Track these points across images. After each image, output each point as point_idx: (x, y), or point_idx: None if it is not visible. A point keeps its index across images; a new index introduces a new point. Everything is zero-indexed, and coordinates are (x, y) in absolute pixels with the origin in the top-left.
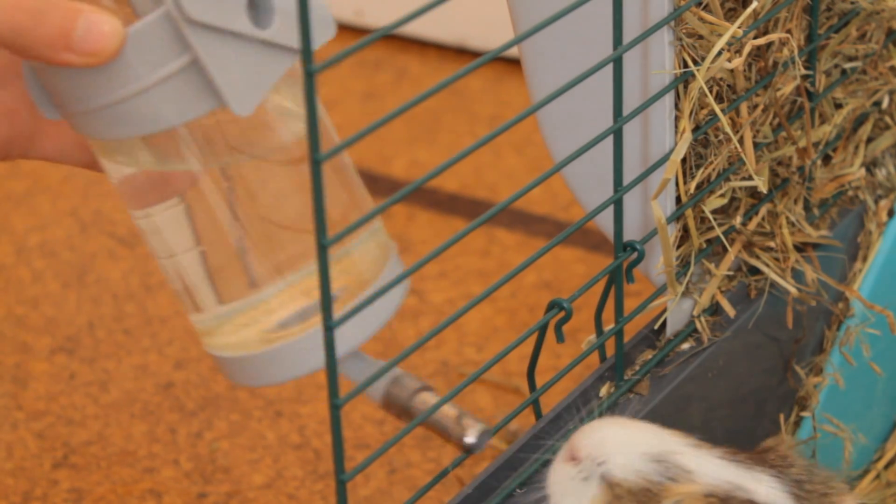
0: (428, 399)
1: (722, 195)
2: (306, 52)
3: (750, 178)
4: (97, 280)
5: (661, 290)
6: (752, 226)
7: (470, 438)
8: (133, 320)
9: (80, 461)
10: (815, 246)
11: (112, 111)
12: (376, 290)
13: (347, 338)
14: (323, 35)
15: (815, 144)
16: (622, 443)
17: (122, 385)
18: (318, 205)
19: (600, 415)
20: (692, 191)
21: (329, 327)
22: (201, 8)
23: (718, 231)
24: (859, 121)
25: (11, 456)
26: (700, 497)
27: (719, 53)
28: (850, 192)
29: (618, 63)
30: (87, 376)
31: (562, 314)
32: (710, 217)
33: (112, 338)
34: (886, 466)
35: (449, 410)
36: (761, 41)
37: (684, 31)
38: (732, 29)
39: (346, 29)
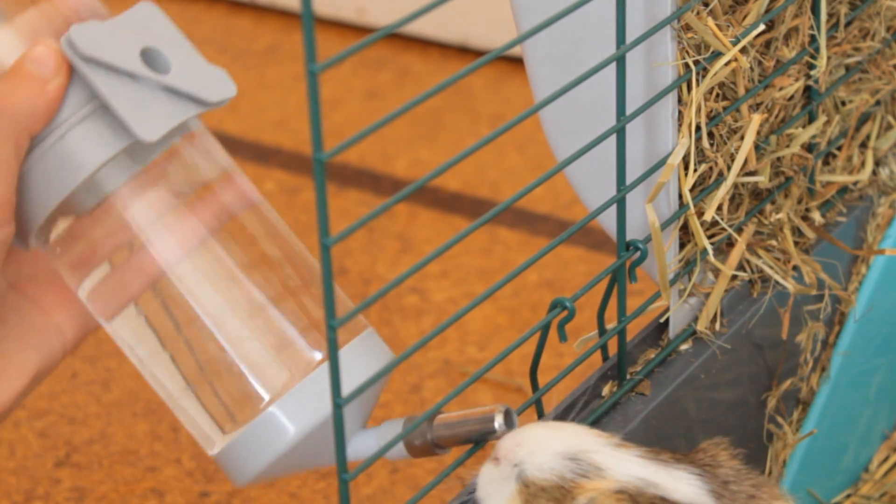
0: (440, 421)
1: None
2: (308, 50)
3: (751, 174)
4: None
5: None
6: (754, 225)
7: (498, 424)
8: None
9: (82, 460)
10: (817, 246)
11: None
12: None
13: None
14: (223, 92)
15: (818, 143)
16: (538, 443)
17: (124, 384)
18: (320, 203)
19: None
20: (694, 191)
21: (332, 327)
22: (93, 47)
23: (729, 229)
24: (863, 119)
25: (14, 455)
26: (610, 493)
27: (720, 55)
28: (854, 192)
29: (621, 62)
30: (90, 375)
31: (564, 313)
32: (715, 216)
33: None
34: (886, 473)
35: (462, 415)
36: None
37: (688, 34)
38: (734, 51)
39: (347, 28)
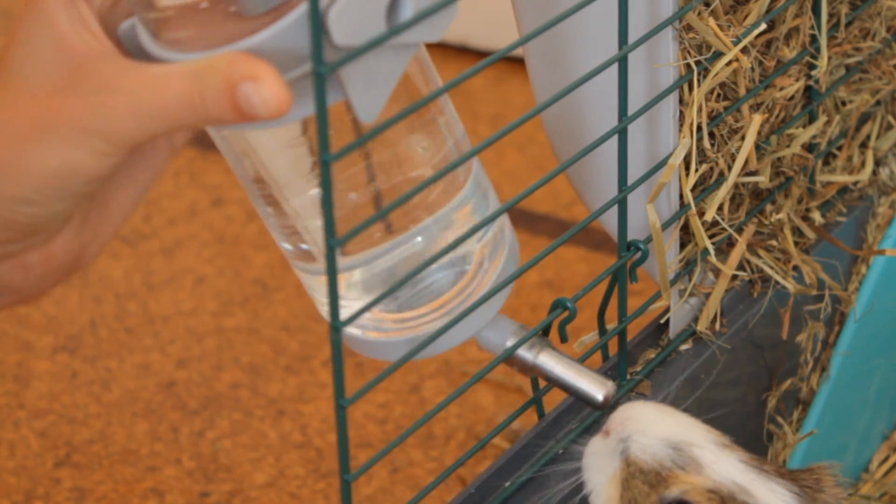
0: (548, 359)
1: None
2: (316, 54)
3: (752, 174)
4: (99, 279)
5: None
6: (754, 225)
7: (599, 396)
8: (135, 319)
9: (82, 460)
10: (817, 246)
11: None
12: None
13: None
14: (447, 21)
15: (819, 144)
16: (647, 423)
17: (124, 384)
18: (326, 205)
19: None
20: (694, 191)
21: (335, 328)
22: (348, 33)
23: (729, 229)
24: (863, 119)
25: (14, 455)
26: (702, 491)
27: (721, 55)
28: (854, 192)
29: (623, 62)
30: (89, 375)
31: (566, 314)
32: (716, 216)
33: (114, 336)
34: (886, 473)
35: (573, 371)
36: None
37: (689, 34)
38: (735, 51)
39: None
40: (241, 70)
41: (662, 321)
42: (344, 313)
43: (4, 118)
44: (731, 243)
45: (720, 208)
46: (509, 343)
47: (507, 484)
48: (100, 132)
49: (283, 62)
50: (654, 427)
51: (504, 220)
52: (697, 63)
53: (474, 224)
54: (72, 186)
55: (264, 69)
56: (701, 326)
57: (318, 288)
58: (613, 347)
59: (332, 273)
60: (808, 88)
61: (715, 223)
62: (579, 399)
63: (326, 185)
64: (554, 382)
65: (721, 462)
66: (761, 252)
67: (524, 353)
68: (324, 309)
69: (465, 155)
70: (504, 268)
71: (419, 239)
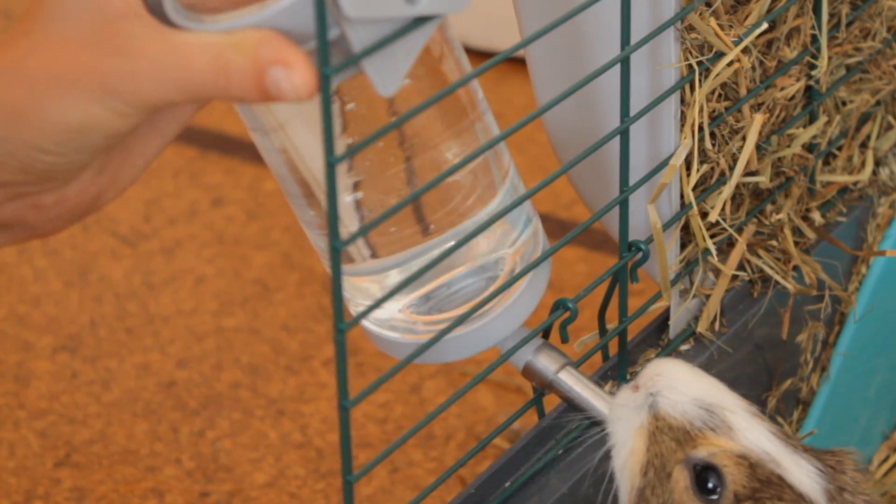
0: (566, 377)
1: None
2: (322, 54)
3: (752, 174)
4: (99, 279)
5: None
6: (754, 225)
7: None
8: (135, 319)
9: (82, 460)
10: (817, 246)
11: None
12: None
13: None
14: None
15: (819, 144)
16: (679, 380)
17: (124, 384)
18: (331, 206)
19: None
20: (695, 192)
21: (340, 330)
22: (359, 4)
23: (729, 229)
24: (863, 120)
25: (14, 455)
26: (732, 455)
27: (722, 55)
28: (854, 192)
29: (625, 63)
30: (89, 375)
31: (567, 314)
32: (718, 217)
33: (114, 336)
34: (886, 473)
35: (589, 393)
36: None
37: (691, 35)
38: (735, 51)
39: None
40: (270, 54)
41: (664, 319)
42: (382, 314)
43: (30, 64)
44: (731, 243)
45: (721, 208)
46: (531, 355)
47: (508, 484)
48: (122, 94)
49: (301, 34)
50: (685, 385)
51: (538, 227)
52: (699, 63)
53: (507, 230)
54: (90, 140)
55: (294, 53)
56: (701, 327)
57: (354, 290)
58: (614, 347)
59: (336, 274)
60: (808, 88)
61: (715, 223)
62: (590, 415)
63: (332, 186)
64: (568, 402)
65: (751, 429)
66: (761, 252)
67: (545, 367)
68: (358, 309)
69: (466, 157)
70: (536, 275)
71: (452, 242)
